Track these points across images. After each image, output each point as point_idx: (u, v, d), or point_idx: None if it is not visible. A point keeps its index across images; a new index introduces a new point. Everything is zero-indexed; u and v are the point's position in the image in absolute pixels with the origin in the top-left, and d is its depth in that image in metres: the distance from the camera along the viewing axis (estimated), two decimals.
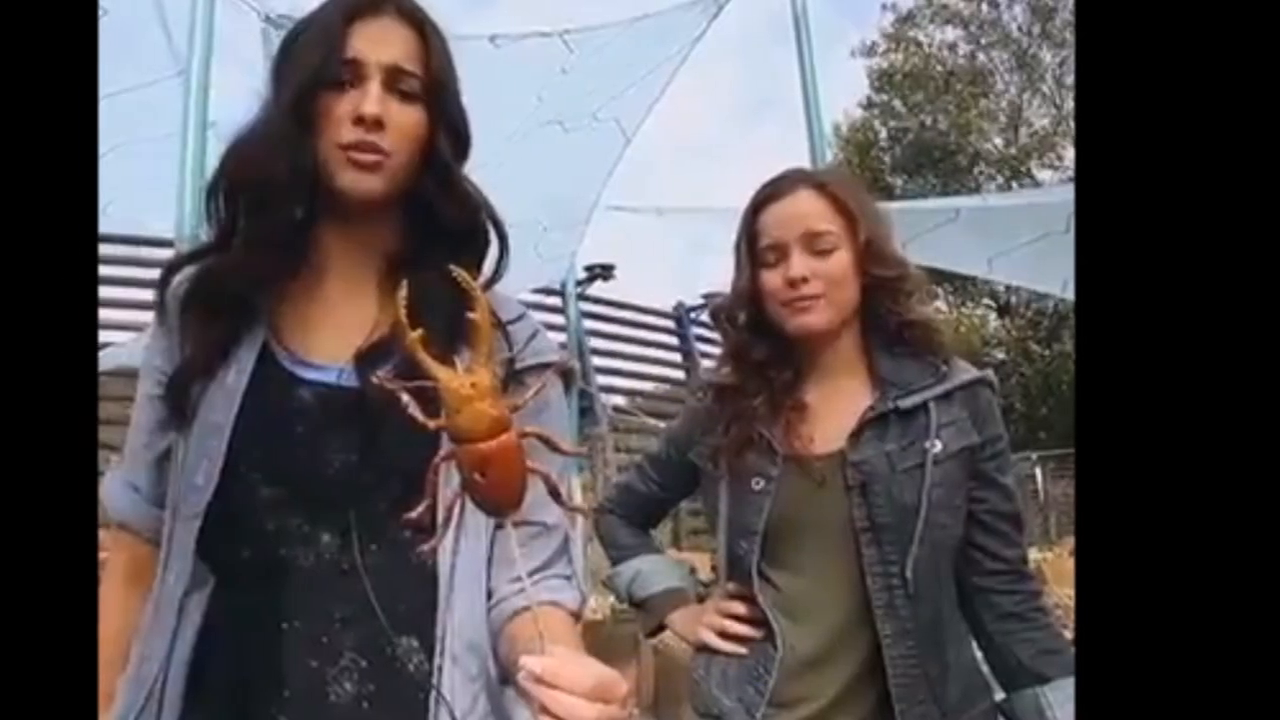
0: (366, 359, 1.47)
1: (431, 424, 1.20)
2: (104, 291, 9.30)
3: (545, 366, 1.55)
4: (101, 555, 1.38)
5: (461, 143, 1.58)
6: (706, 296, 13.28)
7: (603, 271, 14.63)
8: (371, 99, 1.46)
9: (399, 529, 1.37)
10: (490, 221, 1.58)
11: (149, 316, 1.66)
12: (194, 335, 1.51)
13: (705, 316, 13.62)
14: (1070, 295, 10.08)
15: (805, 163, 7.04)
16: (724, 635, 2.20)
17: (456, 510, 1.28)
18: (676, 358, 16.69)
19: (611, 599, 6.81)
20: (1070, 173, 21.90)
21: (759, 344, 2.18)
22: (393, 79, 1.48)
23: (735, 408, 2.18)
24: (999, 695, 2.15)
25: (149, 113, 6.60)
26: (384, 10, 1.52)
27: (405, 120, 1.49)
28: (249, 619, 1.44)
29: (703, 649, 2.25)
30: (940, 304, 23.76)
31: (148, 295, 1.64)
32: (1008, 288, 24.05)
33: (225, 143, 1.56)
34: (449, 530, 1.34)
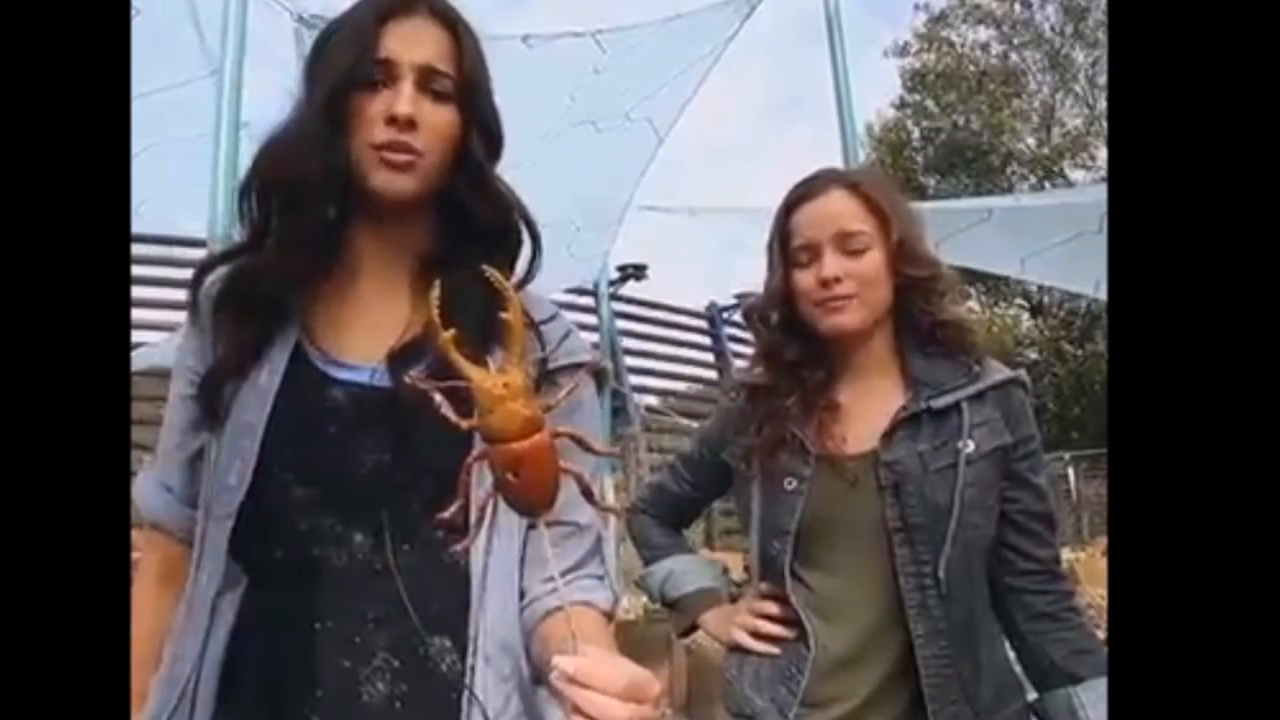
0: (399, 359, 1.47)
1: (464, 424, 1.20)
2: (137, 291, 9.34)
3: (578, 366, 1.55)
4: (134, 555, 1.38)
5: (494, 143, 1.58)
6: (739, 296, 13.23)
7: (635, 271, 14.57)
8: (404, 99, 1.46)
9: (432, 529, 1.36)
10: (523, 221, 1.58)
11: (182, 316, 1.67)
12: (227, 335, 1.51)
13: (738, 316, 13.58)
14: (1103, 295, 10.02)
15: (838, 163, 7.02)
16: (757, 635, 2.20)
17: (489, 510, 1.28)
18: (709, 358, 16.62)
19: (644, 599, 6.81)
20: (1103, 173, 21.79)
21: (792, 344, 2.17)
22: (425, 79, 1.48)
23: (768, 408, 2.18)
24: (1031, 695, 2.15)
25: (182, 113, 6.60)
26: (417, 10, 1.52)
27: (438, 120, 1.49)
28: (282, 619, 1.44)
29: (735, 649, 2.25)
30: (973, 304, 23.70)
31: (180, 295, 1.65)
32: (1040, 288, 23.97)
33: (258, 143, 1.57)
34: (482, 530, 1.33)
